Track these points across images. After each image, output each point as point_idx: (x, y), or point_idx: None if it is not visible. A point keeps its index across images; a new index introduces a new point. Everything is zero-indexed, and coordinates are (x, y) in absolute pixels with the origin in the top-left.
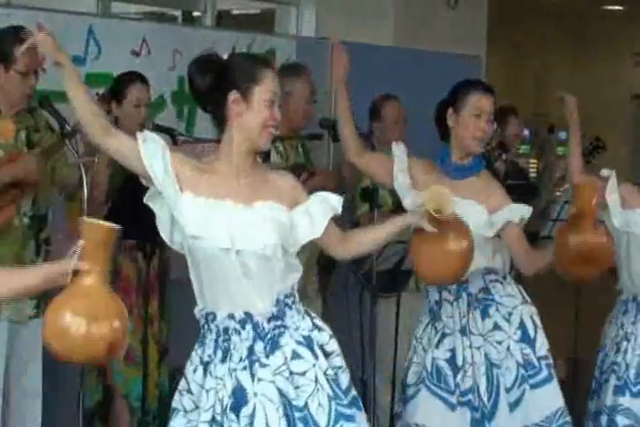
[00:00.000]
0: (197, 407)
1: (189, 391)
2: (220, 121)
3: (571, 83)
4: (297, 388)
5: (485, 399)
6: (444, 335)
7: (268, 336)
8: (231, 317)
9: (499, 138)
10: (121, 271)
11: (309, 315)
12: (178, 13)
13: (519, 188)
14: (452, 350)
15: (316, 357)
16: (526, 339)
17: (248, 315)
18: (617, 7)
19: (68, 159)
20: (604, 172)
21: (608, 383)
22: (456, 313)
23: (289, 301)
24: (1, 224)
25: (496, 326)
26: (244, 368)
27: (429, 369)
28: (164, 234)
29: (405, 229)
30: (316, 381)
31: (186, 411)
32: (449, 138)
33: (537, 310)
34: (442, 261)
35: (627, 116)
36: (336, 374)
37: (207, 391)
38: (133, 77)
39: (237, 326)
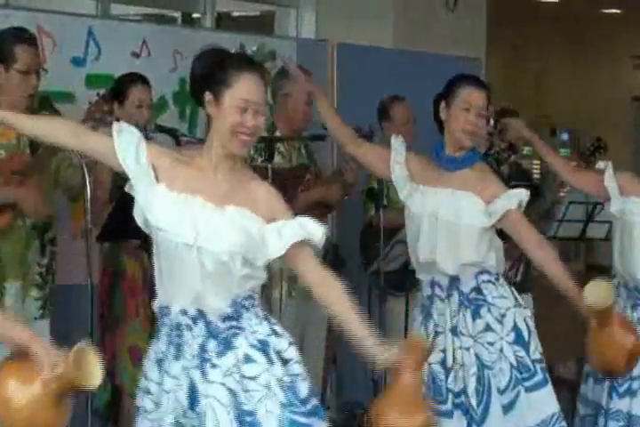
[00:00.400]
0: (158, 406)
1: (149, 392)
2: (208, 118)
3: (570, 85)
4: (246, 391)
5: (474, 403)
6: (436, 334)
7: (222, 335)
8: (184, 312)
9: (508, 140)
10: (126, 271)
11: (269, 320)
12: (178, 15)
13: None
14: (444, 351)
15: (271, 362)
16: (520, 341)
17: (201, 312)
18: (615, 10)
19: (71, 160)
20: (600, 164)
21: (604, 383)
22: (447, 311)
23: (247, 303)
24: (3, 224)
25: (488, 327)
26: (196, 367)
27: (426, 381)
28: (138, 220)
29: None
30: (268, 386)
31: (147, 411)
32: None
33: (546, 310)
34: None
35: (628, 119)
36: (293, 381)
37: (167, 393)
38: (134, 78)
39: (190, 322)
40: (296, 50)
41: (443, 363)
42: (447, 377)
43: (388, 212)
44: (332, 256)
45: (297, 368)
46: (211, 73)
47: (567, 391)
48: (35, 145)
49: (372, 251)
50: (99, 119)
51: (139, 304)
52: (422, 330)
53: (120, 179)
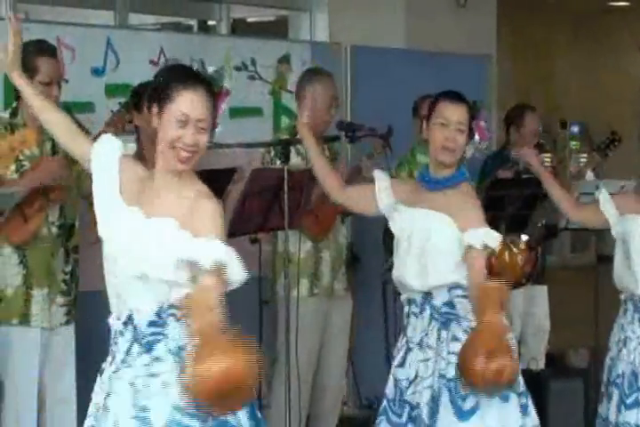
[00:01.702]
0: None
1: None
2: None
3: (580, 77)
4: (145, 387)
5: (425, 413)
6: (408, 350)
7: (145, 340)
8: (118, 318)
9: (529, 138)
10: None
11: None
12: (194, 23)
13: (535, 181)
14: (410, 365)
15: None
16: None
17: (130, 318)
18: (624, 3)
19: None
20: (596, 193)
21: (612, 399)
22: (419, 326)
23: (175, 311)
24: (30, 234)
25: (454, 338)
26: (116, 371)
27: (391, 396)
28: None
29: None
30: (165, 386)
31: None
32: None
33: (559, 299)
34: None
35: (637, 109)
36: None
37: (93, 396)
38: None
39: (122, 328)
40: (310, 53)
41: (408, 378)
42: (407, 389)
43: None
44: (349, 253)
45: None
46: (159, 86)
47: (580, 380)
48: (57, 154)
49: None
50: (120, 127)
51: None
52: (400, 346)
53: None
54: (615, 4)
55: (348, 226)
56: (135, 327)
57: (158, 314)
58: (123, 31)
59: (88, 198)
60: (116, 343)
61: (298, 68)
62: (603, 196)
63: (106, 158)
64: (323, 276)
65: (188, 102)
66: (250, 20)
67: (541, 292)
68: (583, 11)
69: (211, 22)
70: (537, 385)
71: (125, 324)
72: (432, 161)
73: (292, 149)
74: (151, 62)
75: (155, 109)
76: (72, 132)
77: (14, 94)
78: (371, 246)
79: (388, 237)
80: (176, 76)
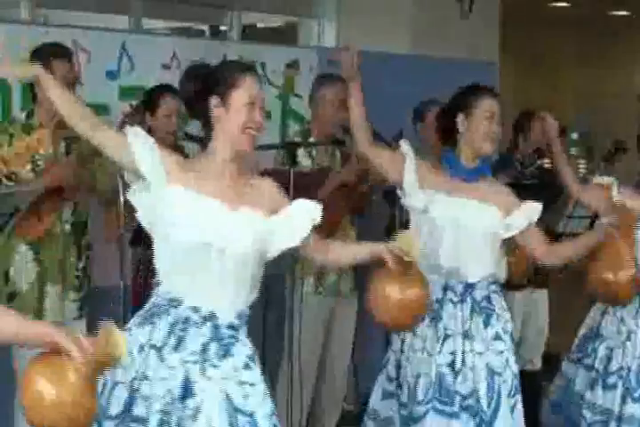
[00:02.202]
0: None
1: (146, 378)
2: (207, 126)
3: (580, 85)
4: (245, 396)
5: (485, 405)
6: (446, 337)
7: (224, 342)
8: (195, 310)
9: (534, 145)
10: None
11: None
12: (205, 28)
13: (535, 186)
14: (453, 354)
15: (262, 375)
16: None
17: (213, 314)
18: (623, 12)
19: (106, 167)
20: (604, 179)
21: (616, 390)
22: (459, 316)
23: (245, 318)
24: (43, 232)
25: (497, 337)
26: (195, 362)
27: (435, 382)
28: (144, 220)
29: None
30: (265, 394)
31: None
32: (451, 142)
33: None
34: (397, 307)
35: (637, 116)
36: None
37: (160, 380)
38: (165, 89)
39: (199, 321)
40: (318, 58)
41: (451, 365)
42: (455, 379)
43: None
44: None
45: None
46: (213, 80)
47: None
48: (70, 154)
49: None
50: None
51: None
52: (430, 331)
53: None
54: (616, 14)
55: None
56: (216, 326)
57: (238, 319)
58: (137, 35)
59: (103, 197)
60: (183, 330)
61: (306, 73)
62: (614, 189)
63: (148, 152)
64: (328, 275)
65: (252, 86)
66: (260, 25)
67: (542, 295)
68: (585, 20)
69: (222, 28)
70: (533, 386)
71: (205, 319)
72: (468, 152)
73: (303, 152)
74: (164, 66)
75: (215, 101)
76: (96, 125)
77: (30, 96)
78: None
79: (391, 237)
80: (232, 66)
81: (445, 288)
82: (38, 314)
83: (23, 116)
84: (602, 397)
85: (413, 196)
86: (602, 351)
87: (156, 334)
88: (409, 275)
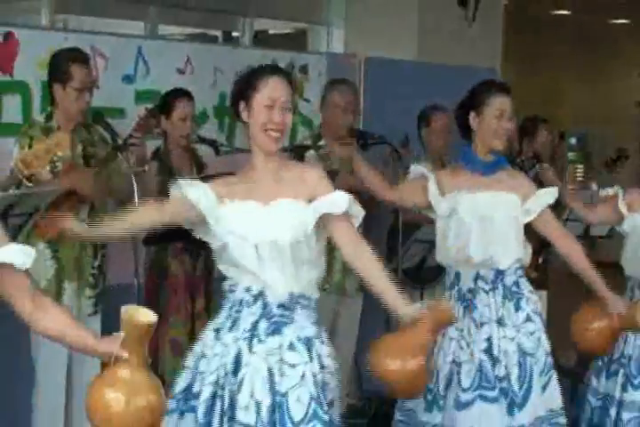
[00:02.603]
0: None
1: (204, 355)
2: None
3: (579, 92)
4: (282, 376)
5: (517, 388)
6: (481, 324)
7: (273, 319)
8: (247, 289)
9: (532, 149)
10: (169, 272)
11: (319, 326)
12: (218, 34)
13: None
14: (489, 340)
15: (311, 358)
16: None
17: (262, 293)
18: (623, 21)
19: (121, 170)
20: (609, 191)
21: (617, 377)
22: (492, 303)
23: (302, 301)
24: (61, 231)
25: (528, 318)
26: (245, 339)
27: (477, 369)
28: (211, 238)
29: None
30: (303, 377)
31: (197, 370)
32: (469, 137)
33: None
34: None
35: (633, 123)
36: (324, 385)
37: (214, 356)
38: (180, 94)
39: (250, 300)
40: (326, 64)
41: (488, 351)
42: (494, 365)
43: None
44: None
45: (329, 379)
46: (242, 85)
47: (567, 380)
48: (88, 156)
49: (392, 250)
50: (146, 131)
51: (180, 302)
52: (466, 320)
53: (165, 188)
54: (615, 22)
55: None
56: (265, 305)
57: (289, 299)
58: (153, 41)
59: (118, 197)
60: (238, 311)
61: (314, 78)
62: (620, 197)
63: (203, 196)
64: (334, 273)
65: (272, 87)
66: (271, 32)
67: (542, 296)
68: (585, 28)
69: (234, 34)
70: None
71: (255, 297)
72: (482, 147)
73: (315, 154)
74: (178, 70)
75: (242, 105)
76: (132, 222)
77: (49, 99)
78: (379, 247)
79: (392, 238)
80: (258, 71)
81: (476, 278)
82: None
83: (42, 119)
84: (604, 384)
85: (437, 206)
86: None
87: (217, 319)
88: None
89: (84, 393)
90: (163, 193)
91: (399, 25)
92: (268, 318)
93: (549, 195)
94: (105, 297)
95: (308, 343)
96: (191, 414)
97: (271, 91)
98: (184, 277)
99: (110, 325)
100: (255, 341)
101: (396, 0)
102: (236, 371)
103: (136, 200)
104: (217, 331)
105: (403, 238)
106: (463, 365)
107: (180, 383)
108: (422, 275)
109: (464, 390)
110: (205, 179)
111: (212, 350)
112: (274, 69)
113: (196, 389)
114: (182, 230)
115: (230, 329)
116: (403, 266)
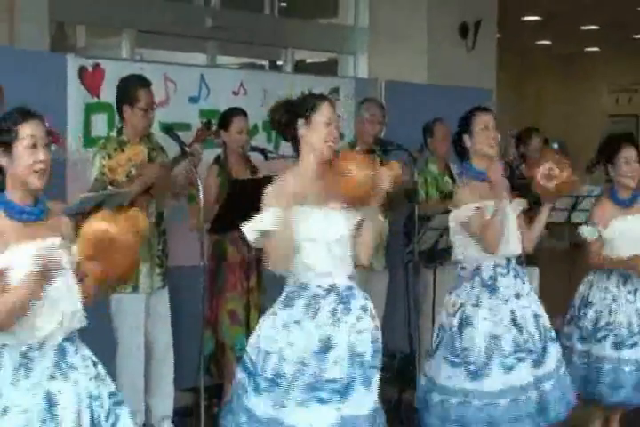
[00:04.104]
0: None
1: (292, 345)
2: (294, 144)
3: (560, 106)
4: (360, 341)
5: (539, 345)
6: (505, 302)
7: (344, 300)
8: (320, 286)
9: (521, 151)
10: (228, 255)
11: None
12: (266, 63)
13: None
14: (513, 312)
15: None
16: None
17: (333, 285)
18: (595, 48)
19: (186, 171)
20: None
21: (605, 341)
22: (511, 283)
23: (354, 275)
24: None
25: (531, 289)
26: (327, 324)
27: (509, 338)
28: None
29: None
30: (375, 340)
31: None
32: (465, 157)
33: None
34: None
35: (604, 131)
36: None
37: (300, 341)
38: (236, 111)
39: (324, 293)
40: (354, 87)
41: (514, 321)
42: (521, 331)
43: (426, 203)
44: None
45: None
46: (298, 107)
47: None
48: (151, 161)
49: (408, 235)
50: (203, 140)
51: (236, 280)
52: (492, 301)
53: (225, 186)
54: (590, 50)
55: None
56: (338, 293)
57: (349, 278)
58: (212, 69)
59: (181, 195)
60: (315, 303)
61: (344, 98)
62: (588, 233)
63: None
64: None
65: (327, 109)
66: (308, 61)
67: (534, 271)
68: (563, 55)
69: (279, 62)
70: None
71: (328, 291)
72: (478, 159)
73: None
74: (233, 93)
75: (300, 122)
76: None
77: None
78: (398, 234)
79: (409, 226)
80: (313, 97)
81: (495, 266)
82: (135, 287)
83: (115, 133)
84: (594, 348)
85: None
86: (591, 314)
87: (294, 312)
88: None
89: (160, 351)
90: (221, 191)
91: (412, 54)
92: (342, 302)
93: (521, 204)
94: (170, 274)
95: (366, 309)
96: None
97: (328, 112)
98: (239, 260)
99: (181, 298)
100: (337, 321)
101: (409, 34)
102: (324, 351)
103: (201, 198)
104: (299, 322)
105: (418, 227)
106: (501, 338)
107: (269, 369)
108: (434, 256)
109: (506, 357)
110: (264, 180)
111: (298, 338)
112: (325, 96)
113: (284, 371)
114: (236, 223)
115: (312, 319)
116: (419, 249)
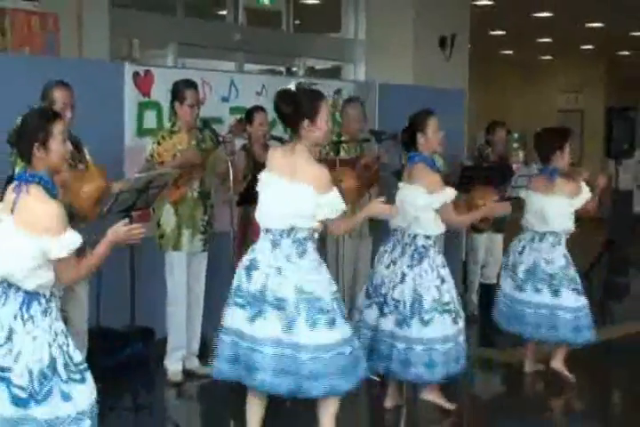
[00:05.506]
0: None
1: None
2: (294, 132)
3: (520, 103)
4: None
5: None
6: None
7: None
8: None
9: (488, 139)
10: (253, 222)
11: None
12: (283, 69)
13: (492, 168)
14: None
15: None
16: None
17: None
18: (550, 57)
19: (222, 157)
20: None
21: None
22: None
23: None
24: (180, 196)
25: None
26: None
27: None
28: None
29: None
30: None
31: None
32: (413, 148)
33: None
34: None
35: (555, 123)
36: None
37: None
38: (258, 108)
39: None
40: (354, 88)
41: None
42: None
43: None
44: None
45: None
46: (303, 107)
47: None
48: (202, 151)
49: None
50: (237, 132)
51: None
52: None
53: (250, 168)
54: (545, 58)
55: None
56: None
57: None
58: (240, 74)
59: (220, 176)
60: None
61: (346, 97)
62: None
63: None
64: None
65: (326, 109)
66: (317, 67)
67: (499, 237)
68: (523, 62)
69: (293, 69)
70: (490, 293)
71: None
72: (427, 151)
73: (342, 147)
74: (257, 93)
75: (306, 123)
76: None
77: (173, 112)
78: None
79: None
80: (314, 96)
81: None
82: (177, 247)
83: (169, 125)
84: (530, 294)
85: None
86: (522, 268)
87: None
88: None
89: (198, 303)
90: (247, 171)
91: (401, 61)
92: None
93: (451, 194)
94: (211, 240)
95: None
96: None
97: (327, 113)
98: None
99: (216, 256)
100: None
101: (399, 45)
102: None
103: (231, 178)
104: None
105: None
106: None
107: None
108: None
109: (427, 312)
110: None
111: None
112: (321, 94)
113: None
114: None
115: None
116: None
